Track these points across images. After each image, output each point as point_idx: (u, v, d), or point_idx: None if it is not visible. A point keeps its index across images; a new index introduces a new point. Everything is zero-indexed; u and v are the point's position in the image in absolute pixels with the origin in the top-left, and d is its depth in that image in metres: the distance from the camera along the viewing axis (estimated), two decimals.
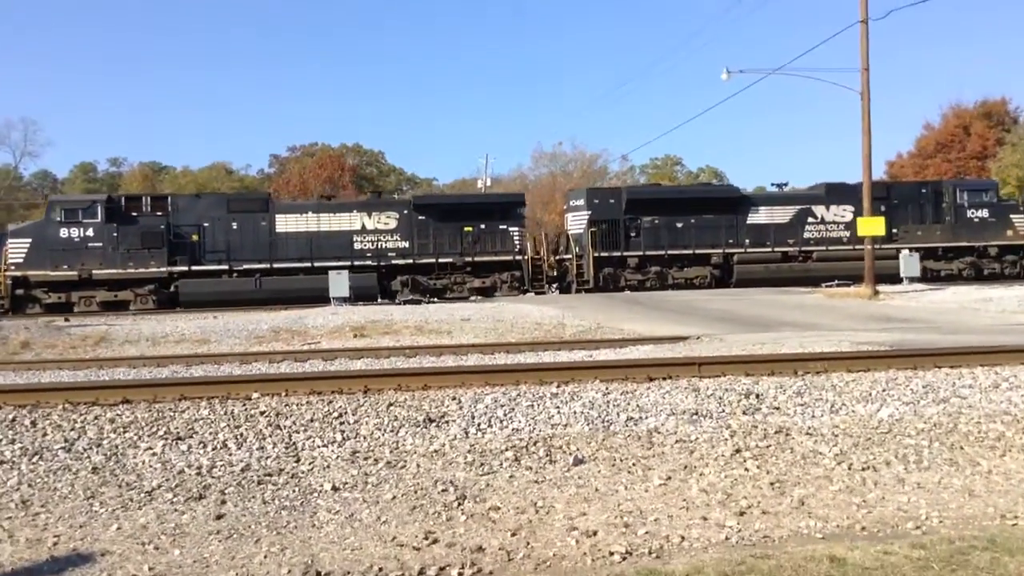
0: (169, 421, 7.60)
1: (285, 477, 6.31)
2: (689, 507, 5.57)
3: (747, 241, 33.22)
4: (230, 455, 6.82)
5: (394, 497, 5.83)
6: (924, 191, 34.77)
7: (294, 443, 7.11)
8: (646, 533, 5.10)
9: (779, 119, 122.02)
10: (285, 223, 30.83)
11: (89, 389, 8.62)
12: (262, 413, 7.79)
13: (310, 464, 6.60)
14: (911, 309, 22.30)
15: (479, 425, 7.49)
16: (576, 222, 33.53)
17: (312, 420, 7.64)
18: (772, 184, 35.51)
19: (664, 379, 9.16)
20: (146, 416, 7.74)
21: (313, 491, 6.00)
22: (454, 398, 8.24)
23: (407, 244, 31.20)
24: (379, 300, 29.72)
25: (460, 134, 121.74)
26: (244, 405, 8.08)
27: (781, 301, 25.38)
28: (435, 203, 33.74)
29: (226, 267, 30.02)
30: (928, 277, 32.94)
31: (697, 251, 32.83)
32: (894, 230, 33.38)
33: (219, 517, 5.48)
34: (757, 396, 8.36)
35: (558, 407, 7.94)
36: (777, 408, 8.03)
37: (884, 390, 8.61)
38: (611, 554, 4.79)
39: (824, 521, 5.28)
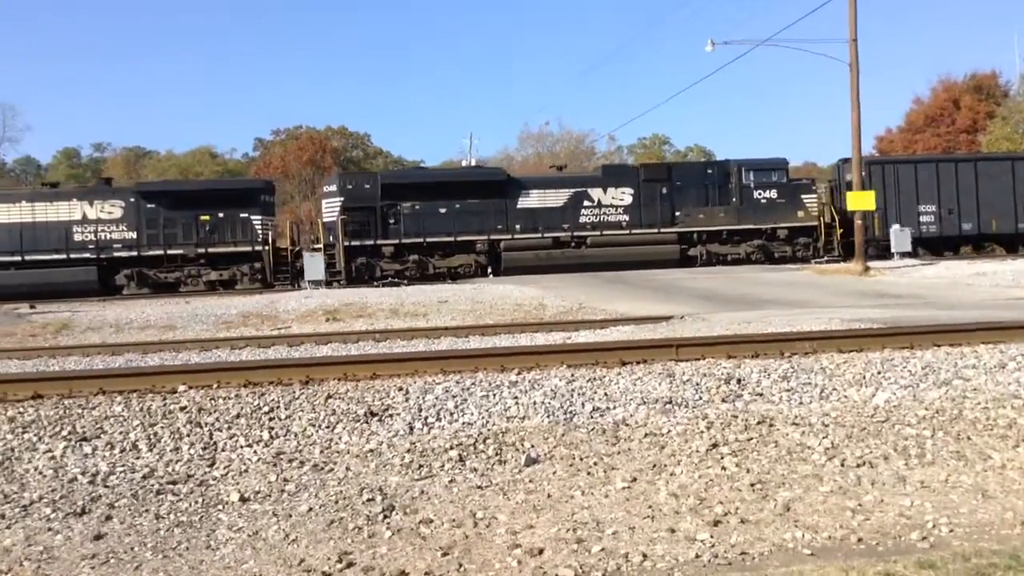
0: (76, 419, 6.71)
1: (191, 485, 5.45)
2: (655, 516, 4.75)
3: (517, 227, 30.91)
4: (136, 458, 5.96)
5: (310, 509, 4.98)
6: (710, 172, 32.58)
7: (214, 443, 6.25)
8: (602, 551, 4.28)
9: (767, 95, 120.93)
10: None
11: None
12: (182, 409, 6.88)
13: (225, 468, 5.75)
14: (903, 285, 21.55)
15: (426, 419, 6.63)
16: (330, 209, 30.71)
17: (239, 416, 6.75)
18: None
19: (638, 363, 8.30)
20: (52, 414, 6.83)
21: (218, 503, 5.15)
22: (401, 388, 7.36)
23: (134, 235, 28.85)
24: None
25: (446, 116, 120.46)
26: (164, 400, 7.18)
27: (768, 279, 24.61)
28: (165, 190, 30.97)
29: None
30: (712, 261, 31.37)
31: (459, 238, 30.32)
32: (676, 213, 31.70)
33: (98, 537, 4.63)
34: (739, 381, 7.52)
35: (516, 397, 7.08)
36: (760, 394, 7.20)
37: (879, 372, 7.77)
38: None
39: (813, 532, 4.46)
